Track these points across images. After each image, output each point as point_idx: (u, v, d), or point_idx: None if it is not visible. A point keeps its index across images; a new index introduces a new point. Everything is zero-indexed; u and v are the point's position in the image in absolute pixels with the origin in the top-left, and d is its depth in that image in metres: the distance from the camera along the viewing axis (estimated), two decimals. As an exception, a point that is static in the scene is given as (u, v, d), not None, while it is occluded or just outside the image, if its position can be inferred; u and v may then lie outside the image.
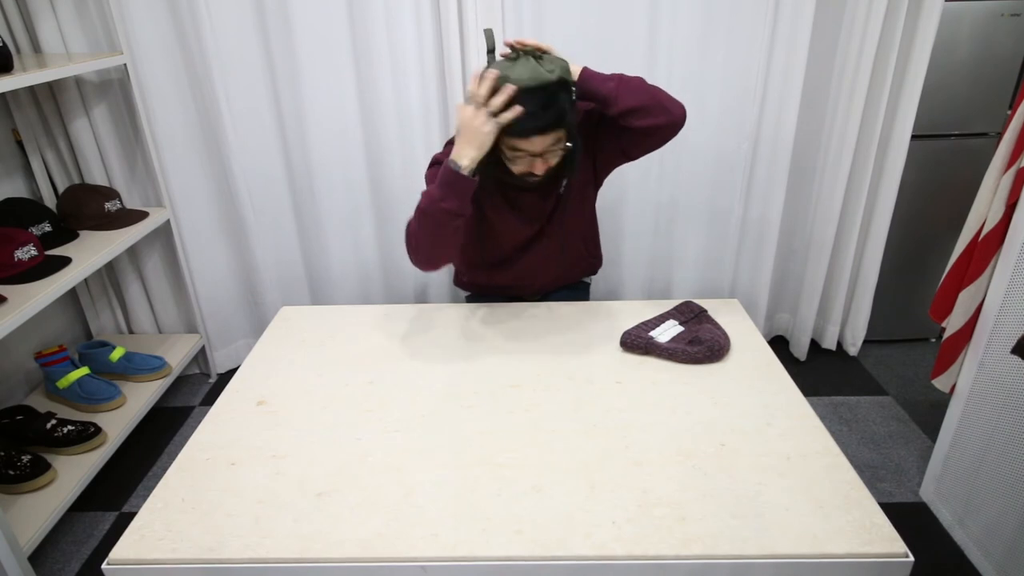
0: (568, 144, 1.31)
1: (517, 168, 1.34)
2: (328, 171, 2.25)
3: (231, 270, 2.41)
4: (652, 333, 1.39)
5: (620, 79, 1.33)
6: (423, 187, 2.21)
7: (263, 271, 2.38)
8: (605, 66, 2.06)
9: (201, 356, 2.50)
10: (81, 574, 1.71)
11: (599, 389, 1.26)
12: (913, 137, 2.16)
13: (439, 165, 1.34)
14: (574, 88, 1.30)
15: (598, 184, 1.57)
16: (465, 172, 1.23)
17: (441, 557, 0.91)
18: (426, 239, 1.30)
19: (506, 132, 1.24)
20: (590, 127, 1.43)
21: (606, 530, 0.93)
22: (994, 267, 1.54)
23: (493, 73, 1.20)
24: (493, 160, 1.32)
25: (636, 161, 2.22)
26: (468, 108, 1.23)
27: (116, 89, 2.09)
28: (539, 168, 1.30)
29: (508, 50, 1.26)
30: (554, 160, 1.32)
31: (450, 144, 1.37)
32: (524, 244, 1.55)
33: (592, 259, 1.74)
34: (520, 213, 1.49)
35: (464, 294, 1.81)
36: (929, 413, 2.21)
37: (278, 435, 1.15)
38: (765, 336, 2.34)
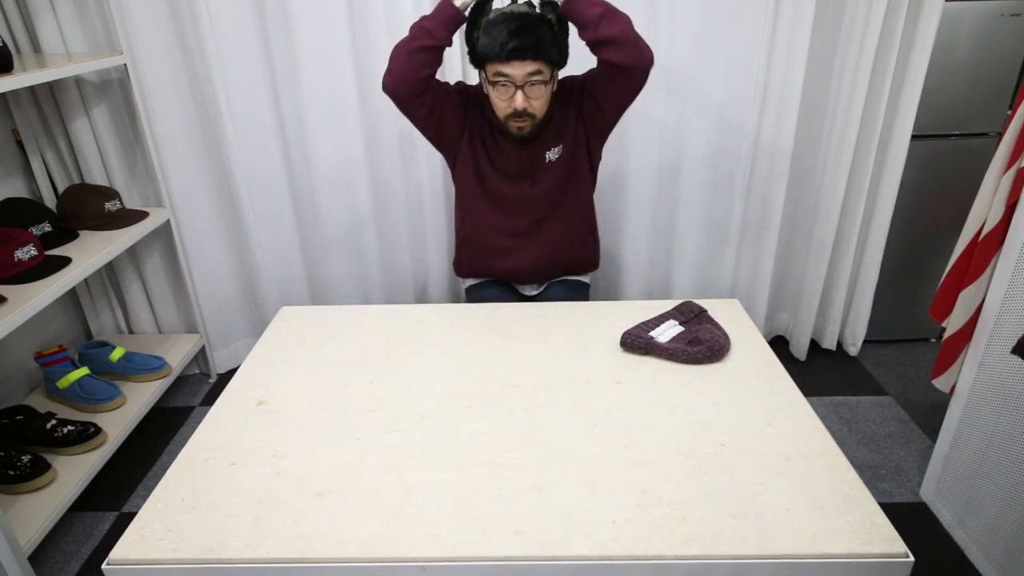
0: (546, 81, 1.43)
1: (502, 106, 1.44)
2: (328, 171, 2.25)
3: (231, 270, 2.41)
4: (652, 333, 1.39)
5: (608, 8, 1.43)
6: (423, 188, 2.25)
7: (263, 271, 2.38)
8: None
9: (201, 356, 2.50)
10: (81, 574, 1.71)
11: (599, 389, 1.26)
12: (913, 137, 2.16)
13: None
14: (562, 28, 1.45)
15: (592, 159, 1.64)
16: (457, 4, 1.43)
17: (441, 557, 0.91)
18: (400, 49, 1.46)
19: (490, 58, 1.41)
20: (573, 94, 1.55)
21: (606, 530, 0.93)
22: (994, 267, 1.54)
23: None
24: (484, 113, 1.54)
25: (635, 161, 2.24)
26: None
27: (116, 89, 2.09)
28: (519, 102, 1.41)
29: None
30: (535, 98, 1.43)
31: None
32: (515, 205, 1.62)
33: (588, 247, 1.77)
34: (503, 163, 1.58)
35: (465, 287, 1.82)
36: (929, 413, 2.21)
37: (278, 435, 1.15)
38: (765, 336, 2.35)
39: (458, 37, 2.06)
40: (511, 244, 1.66)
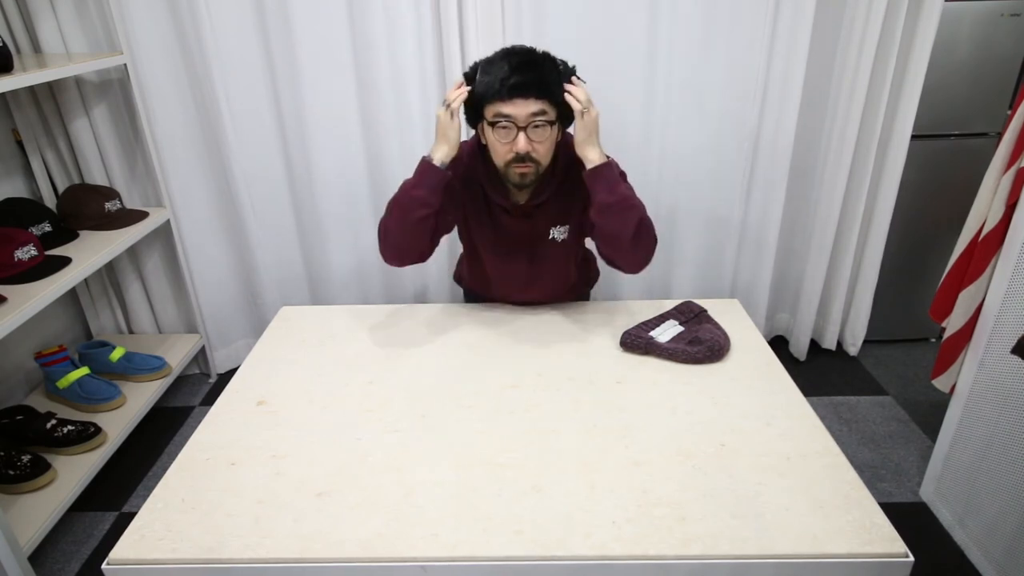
0: (552, 121, 1.31)
1: (502, 151, 1.32)
2: (328, 171, 2.25)
3: (231, 270, 2.41)
4: (652, 333, 1.39)
5: (627, 199, 1.33)
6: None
7: (263, 271, 2.38)
8: (606, 67, 2.09)
9: (201, 356, 2.50)
10: (81, 574, 1.71)
11: (599, 389, 1.26)
12: (913, 137, 2.16)
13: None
14: (576, 76, 1.34)
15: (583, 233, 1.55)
16: (437, 164, 1.33)
17: (441, 557, 0.91)
18: (396, 227, 1.36)
19: (489, 97, 1.29)
20: (582, 191, 1.41)
21: (606, 530, 0.93)
22: (994, 267, 1.54)
23: (459, 80, 1.35)
24: (483, 179, 1.42)
25: (636, 162, 2.24)
26: (442, 111, 1.33)
27: (116, 89, 2.09)
28: (522, 145, 1.29)
29: None
30: (539, 142, 1.31)
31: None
32: (507, 265, 1.53)
33: (590, 279, 1.75)
34: (500, 240, 1.49)
35: (461, 291, 1.82)
36: (929, 413, 2.21)
37: (278, 435, 1.15)
38: (765, 336, 2.35)
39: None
40: (510, 293, 1.59)
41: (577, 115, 1.31)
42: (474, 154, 1.44)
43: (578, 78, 1.35)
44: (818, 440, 1.10)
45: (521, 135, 1.29)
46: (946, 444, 1.73)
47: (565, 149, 1.43)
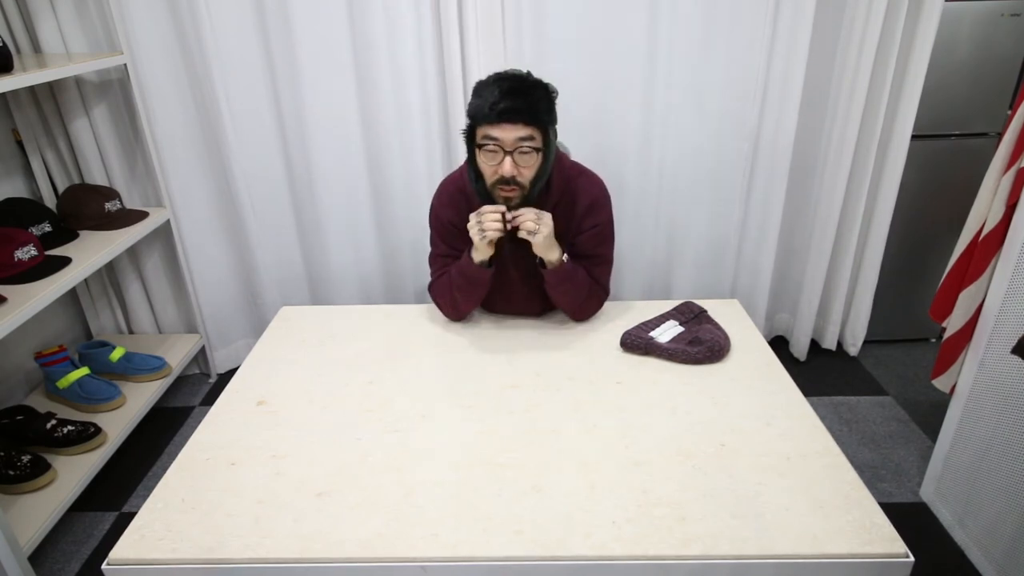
0: (539, 149, 1.32)
1: (489, 172, 1.34)
2: (328, 171, 2.25)
3: (231, 270, 2.41)
4: (652, 333, 1.39)
5: (569, 279, 1.45)
6: (423, 187, 2.19)
7: (263, 271, 2.38)
8: (605, 67, 2.09)
9: (201, 356, 2.50)
10: (81, 574, 1.71)
11: (599, 389, 1.26)
12: (913, 137, 2.16)
13: (437, 222, 1.53)
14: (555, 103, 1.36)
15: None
16: (478, 264, 1.43)
17: (441, 557, 0.91)
18: (452, 308, 1.52)
19: (479, 120, 1.31)
20: (575, 217, 1.49)
21: (606, 530, 0.93)
22: (994, 267, 1.54)
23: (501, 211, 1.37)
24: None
25: (635, 161, 2.24)
26: (473, 224, 1.37)
27: (116, 89, 2.09)
28: (507, 168, 1.30)
29: None
30: (525, 167, 1.32)
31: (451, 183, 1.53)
32: (500, 285, 1.53)
33: None
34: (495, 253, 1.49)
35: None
36: (929, 413, 2.21)
37: (278, 435, 1.15)
38: (765, 336, 2.34)
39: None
40: (507, 307, 1.60)
41: (531, 237, 1.37)
42: (469, 175, 1.44)
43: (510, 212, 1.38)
44: (818, 440, 1.11)
45: (507, 159, 1.30)
46: (946, 444, 1.73)
47: (560, 174, 1.44)
